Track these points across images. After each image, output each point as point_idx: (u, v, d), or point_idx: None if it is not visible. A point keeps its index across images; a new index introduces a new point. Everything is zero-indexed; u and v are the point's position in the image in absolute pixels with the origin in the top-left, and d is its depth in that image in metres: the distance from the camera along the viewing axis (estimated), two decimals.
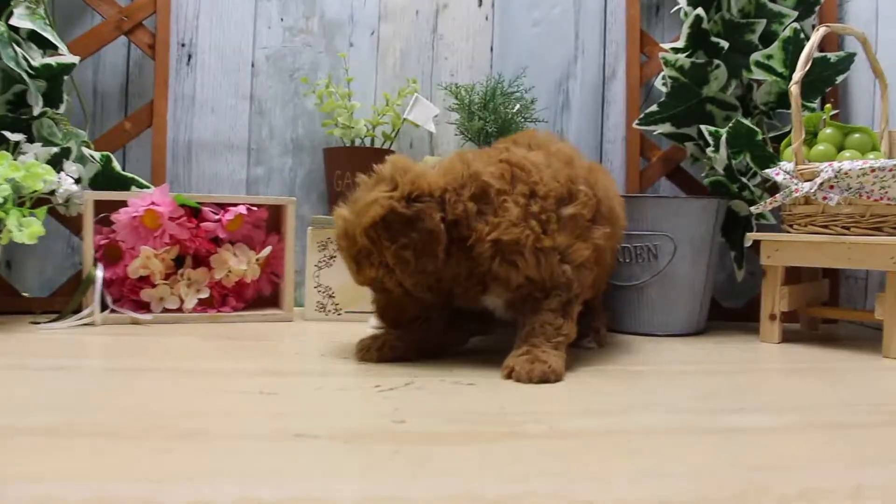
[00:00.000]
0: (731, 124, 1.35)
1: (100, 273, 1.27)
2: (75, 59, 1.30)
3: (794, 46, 1.36)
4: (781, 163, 1.28)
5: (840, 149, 1.29)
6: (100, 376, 0.91)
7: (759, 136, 1.34)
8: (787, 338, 1.32)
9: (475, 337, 1.16)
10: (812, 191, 1.21)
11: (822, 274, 1.50)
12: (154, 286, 1.31)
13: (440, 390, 0.87)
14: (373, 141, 1.48)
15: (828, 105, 1.33)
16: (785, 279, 1.30)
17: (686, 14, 1.44)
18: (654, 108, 1.47)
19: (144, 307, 1.31)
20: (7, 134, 1.25)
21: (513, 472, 0.59)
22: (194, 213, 1.33)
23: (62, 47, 1.31)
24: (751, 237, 1.32)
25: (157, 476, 0.56)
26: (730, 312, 1.56)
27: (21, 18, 1.27)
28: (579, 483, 0.56)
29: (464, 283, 0.98)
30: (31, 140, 1.30)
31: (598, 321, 1.22)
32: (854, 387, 0.98)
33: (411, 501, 0.52)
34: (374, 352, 1.02)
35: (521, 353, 0.95)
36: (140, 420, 0.71)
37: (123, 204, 1.29)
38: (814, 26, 1.34)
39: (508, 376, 0.93)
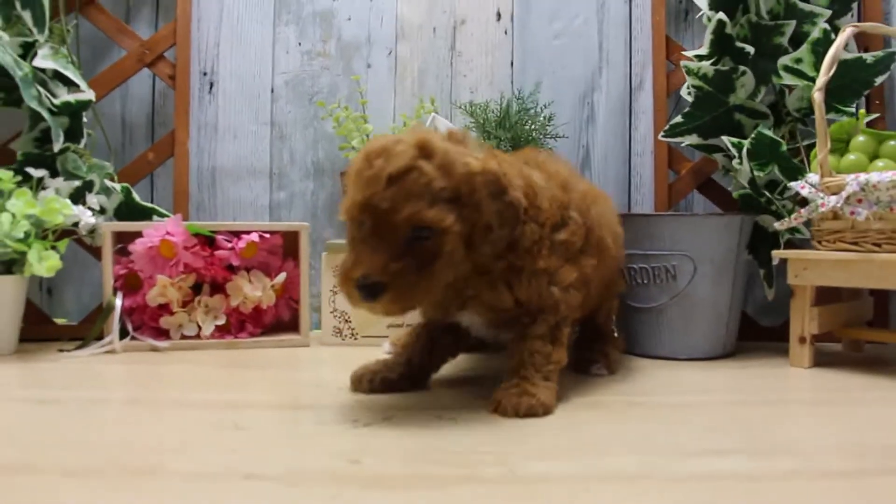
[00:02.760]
0: (753, 135, 1.27)
1: (118, 301, 1.31)
2: (92, 96, 1.35)
3: (824, 48, 1.27)
4: (808, 175, 1.20)
5: (874, 158, 1.20)
6: (88, 409, 0.93)
7: (784, 147, 1.26)
8: (823, 361, 1.24)
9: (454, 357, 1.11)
10: (839, 205, 1.13)
11: (868, 291, 1.40)
12: (172, 314, 1.34)
13: (417, 426, 0.85)
14: None
15: (861, 111, 1.24)
16: (818, 298, 1.22)
17: (709, 19, 1.37)
18: (678, 118, 1.40)
19: (164, 334, 1.34)
20: (30, 170, 1.30)
21: None
22: (209, 241, 1.36)
23: (82, 84, 1.35)
24: (777, 255, 1.24)
25: None
26: (767, 332, 1.47)
27: (44, 59, 1.32)
28: None
29: (454, 288, 0.91)
30: (55, 174, 1.35)
31: (608, 346, 1.17)
32: (874, 424, 0.90)
33: None
34: (365, 383, 1.01)
35: (510, 385, 0.92)
36: (102, 456, 0.73)
37: (140, 234, 1.32)
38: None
39: (495, 411, 0.90)
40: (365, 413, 0.90)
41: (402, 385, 1.01)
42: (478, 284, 0.91)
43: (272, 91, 1.56)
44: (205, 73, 1.55)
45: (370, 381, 1.01)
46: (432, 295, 0.85)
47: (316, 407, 0.97)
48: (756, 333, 1.47)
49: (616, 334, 1.21)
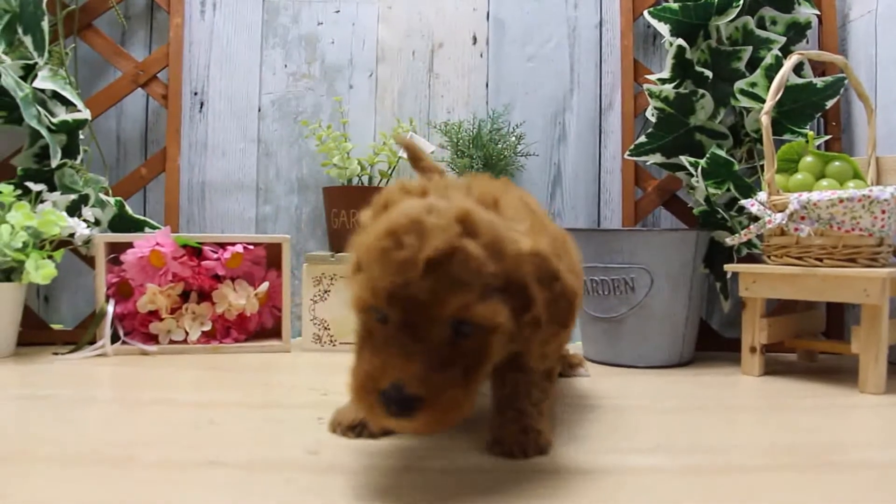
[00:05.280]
0: (707, 155, 1.35)
1: (110, 308, 1.39)
2: (88, 115, 1.44)
3: (776, 73, 1.34)
4: (759, 193, 1.27)
5: (820, 177, 1.27)
6: (76, 406, 1.00)
7: (736, 167, 1.33)
8: (775, 370, 1.31)
9: None
10: (783, 222, 1.20)
11: (825, 304, 1.47)
12: (161, 320, 1.42)
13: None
14: (370, 179, 1.55)
15: (810, 132, 1.31)
16: (777, 310, 1.28)
17: (670, 44, 1.44)
18: (642, 138, 1.48)
19: (153, 339, 1.42)
20: (29, 184, 1.39)
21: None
22: (196, 252, 1.44)
23: (79, 104, 1.44)
24: (728, 268, 1.31)
25: (62, 495, 0.65)
26: (731, 343, 1.53)
27: (43, 80, 1.41)
28: None
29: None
30: (53, 189, 1.43)
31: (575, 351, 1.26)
32: (795, 427, 0.96)
33: None
34: (372, 426, 0.85)
35: (506, 420, 0.82)
36: (83, 447, 0.80)
37: (132, 245, 1.40)
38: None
39: (500, 452, 0.79)
40: (330, 412, 0.97)
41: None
42: None
43: (259, 110, 1.64)
44: (195, 93, 1.63)
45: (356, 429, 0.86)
46: (471, 408, 0.66)
47: (286, 406, 1.04)
48: (720, 345, 1.54)
49: None
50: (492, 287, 0.64)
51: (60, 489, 0.67)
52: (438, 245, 0.61)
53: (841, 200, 1.14)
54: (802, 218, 1.19)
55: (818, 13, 1.48)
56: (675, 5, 1.43)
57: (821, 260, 1.19)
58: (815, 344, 1.37)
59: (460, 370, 0.64)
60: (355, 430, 0.85)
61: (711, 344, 1.53)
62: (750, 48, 1.41)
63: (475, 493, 0.68)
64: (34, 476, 0.71)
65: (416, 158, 1.15)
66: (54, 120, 1.40)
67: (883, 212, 1.14)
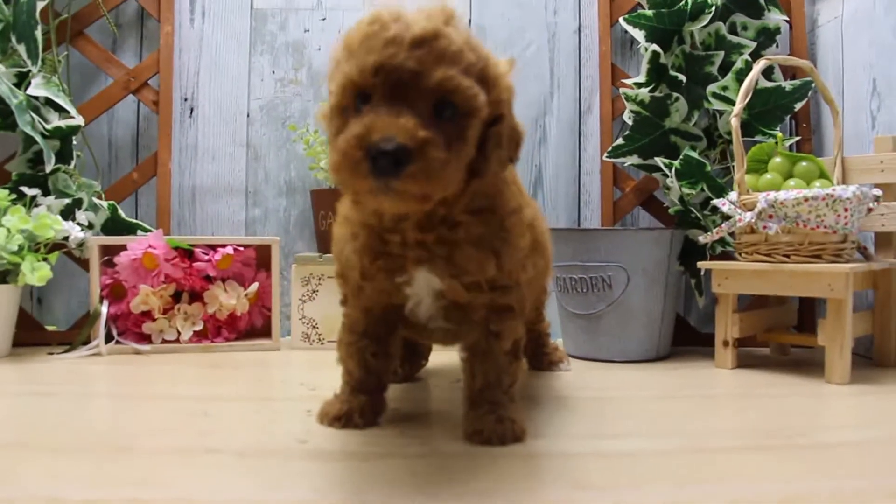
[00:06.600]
0: (681, 157, 1.40)
1: (104, 309, 1.43)
2: (81, 121, 1.47)
3: (746, 77, 1.40)
4: (730, 193, 1.33)
5: (789, 177, 1.32)
6: (75, 400, 1.05)
7: (708, 167, 1.39)
8: (747, 363, 1.36)
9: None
10: (753, 220, 1.25)
11: (798, 298, 1.53)
12: (154, 320, 1.46)
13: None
14: None
15: (779, 134, 1.37)
16: (750, 305, 1.33)
17: (645, 49, 1.50)
18: (620, 140, 1.53)
19: (146, 338, 1.46)
20: (24, 189, 1.43)
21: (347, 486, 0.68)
22: (188, 254, 1.48)
23: (72, 110, 1.48)
24: (702, 265, 1.37)
25: (67, 480, 0.69)
26: (707, 338, 1.58)
27: (37, 87, 1.44)
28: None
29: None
30: (47, 193, 1.47)
31: (557, 346, 1.32)
32: (765, 412, 1.02)
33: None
34: (357, 418, 0.90)
35: (482, 411, 0.85)
36: (85, 437, 0.85)
37: (125, 247, 1.44)
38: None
39: (480, 441, 0.83)
40: (318, 405, 1.01)
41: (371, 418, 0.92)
42: (459, 240, 0.79)
43: (248, 115, 1.69)
44: (185, 99, 1.67)
45: (361, 415, 0.90)
46: (451, 187, 0.71)
47: (277, 399, 1.09)
48: (698, 340, 1.59)
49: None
50: (472, 73, 0.69)
51: (63, 474, 0.71)
52: (424, 26, 0.67)
53: (806, 199, 1.20)
54: (770, 216, 1.24)
55: (788, 19, 1.53)
56: (650, 12, 1.48)
57: (788, 256, 1.25)
58: (785, 337, 1.42)
59: (443, 141, 0.67)
60: (341, 420, 0.89)
61: (689, 339, 1.59)
62: (722, 53, 1.47)
63: (454, 475, 0.72)
64: (37, 463, 0.75)
65: None
66: (48, 126, 1.44)
67: (846, 210, 1.19)
